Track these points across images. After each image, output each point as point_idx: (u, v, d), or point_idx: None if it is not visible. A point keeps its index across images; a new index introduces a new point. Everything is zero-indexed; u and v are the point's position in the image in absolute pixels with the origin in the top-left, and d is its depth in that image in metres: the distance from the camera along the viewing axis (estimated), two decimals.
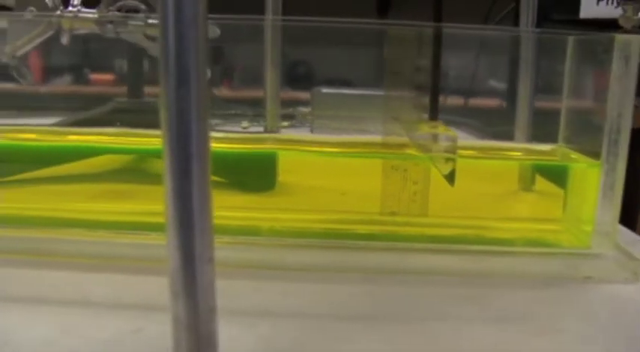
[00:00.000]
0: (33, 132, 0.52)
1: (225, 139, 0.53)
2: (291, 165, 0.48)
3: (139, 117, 0.56)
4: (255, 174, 0.48)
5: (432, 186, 0.42)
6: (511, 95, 0.57)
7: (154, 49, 0.53)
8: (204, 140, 0.21)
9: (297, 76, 0.77)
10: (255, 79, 0.60)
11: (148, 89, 0.62)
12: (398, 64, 0.42)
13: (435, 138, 0.38)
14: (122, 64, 0.63)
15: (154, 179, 0.48)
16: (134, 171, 0.50)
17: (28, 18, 0.46)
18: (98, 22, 0.46)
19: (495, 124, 0.75)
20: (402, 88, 0.42)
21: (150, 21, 0.47)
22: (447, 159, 0.38)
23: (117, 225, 0.41)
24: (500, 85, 0.86)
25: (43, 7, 0.47)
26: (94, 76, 0.87)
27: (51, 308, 0.30)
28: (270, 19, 0.55)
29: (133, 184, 0.48)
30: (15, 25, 0.46)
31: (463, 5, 0.62)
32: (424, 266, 0.37)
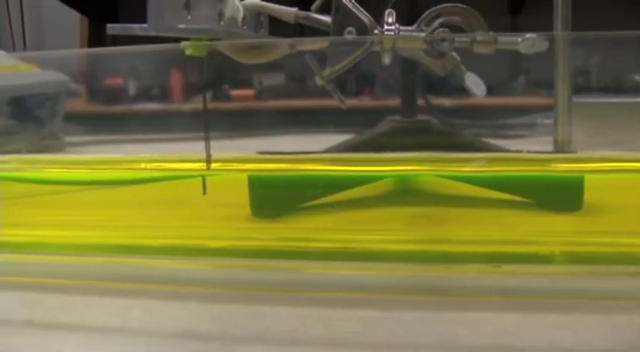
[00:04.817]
0: (318, 160, 0.51)
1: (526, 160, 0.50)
2: (598, 184, 0.45)
3: (419, 138, 0.54)
4: (562, 195, 0.45)
5: None
6: None
7: (435, 65, 0.50)
8: None
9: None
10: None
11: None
12: None
13: None
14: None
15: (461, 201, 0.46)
16: (422, 192, 0.48)
17: (349, 40, 0.44)
18: (427, 40, 0.43)
19: None
20: None
21: (478, 38, 0.43)
22: None
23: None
24: None
25: (362, 28, 0.44)
26: None
27: None
28: (561, 34, 0.52)
29: (428, 207, 0.46)
30: (334, 48, 0.44)
31: None
32: None
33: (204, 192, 0.40)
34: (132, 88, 1.03)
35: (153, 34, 0.30)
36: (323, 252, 0.42)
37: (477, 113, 0.61)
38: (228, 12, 0.37)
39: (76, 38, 1.77)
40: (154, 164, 0.44)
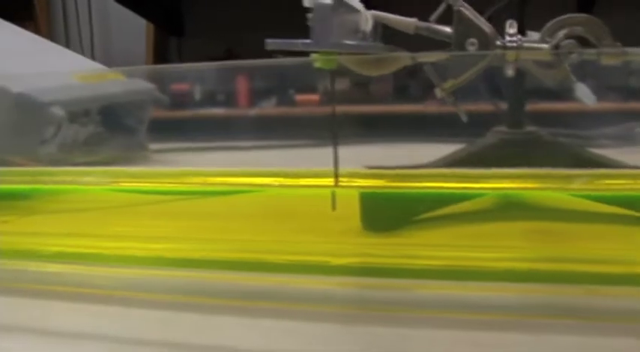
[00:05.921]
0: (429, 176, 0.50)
1: None
2: None
3: (528, 151, 0.52)
4: None
5: None
6: None
7: (546, 76, 0.48)
8: None
9: None
10: None
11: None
12: None
13: None
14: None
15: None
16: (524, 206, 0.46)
17: (472, 52, 0.43)
18: (554, 53, 0.42)
19: None
20: None
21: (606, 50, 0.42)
22: None
23: None
24: None
25: (483, 39, 0.43)
26: None
27: None
28: None
29: (540, 222, 0.44)
30: (456, 59, 0.43)
31: None
32: None
33: (334, 208, 0.40)
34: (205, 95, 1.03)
35: (315, 50, 0.29)
36: (441, 270, 0.41)
37: (555, 122, 0.59)
38: (362, 25, 0.36)
39: (142, 44, 1.79)
40: (279, 179, 0.43)
